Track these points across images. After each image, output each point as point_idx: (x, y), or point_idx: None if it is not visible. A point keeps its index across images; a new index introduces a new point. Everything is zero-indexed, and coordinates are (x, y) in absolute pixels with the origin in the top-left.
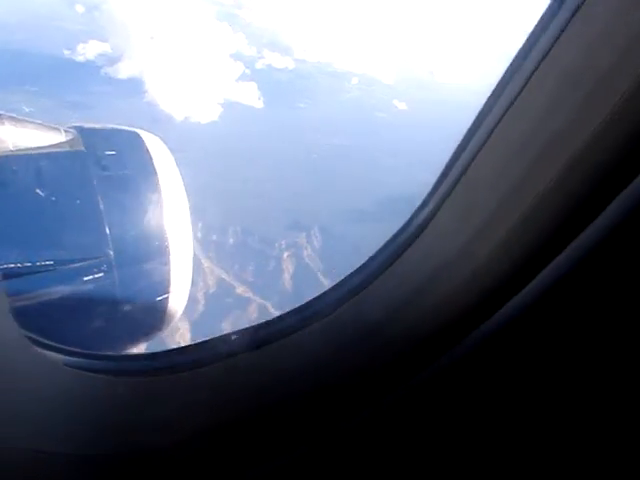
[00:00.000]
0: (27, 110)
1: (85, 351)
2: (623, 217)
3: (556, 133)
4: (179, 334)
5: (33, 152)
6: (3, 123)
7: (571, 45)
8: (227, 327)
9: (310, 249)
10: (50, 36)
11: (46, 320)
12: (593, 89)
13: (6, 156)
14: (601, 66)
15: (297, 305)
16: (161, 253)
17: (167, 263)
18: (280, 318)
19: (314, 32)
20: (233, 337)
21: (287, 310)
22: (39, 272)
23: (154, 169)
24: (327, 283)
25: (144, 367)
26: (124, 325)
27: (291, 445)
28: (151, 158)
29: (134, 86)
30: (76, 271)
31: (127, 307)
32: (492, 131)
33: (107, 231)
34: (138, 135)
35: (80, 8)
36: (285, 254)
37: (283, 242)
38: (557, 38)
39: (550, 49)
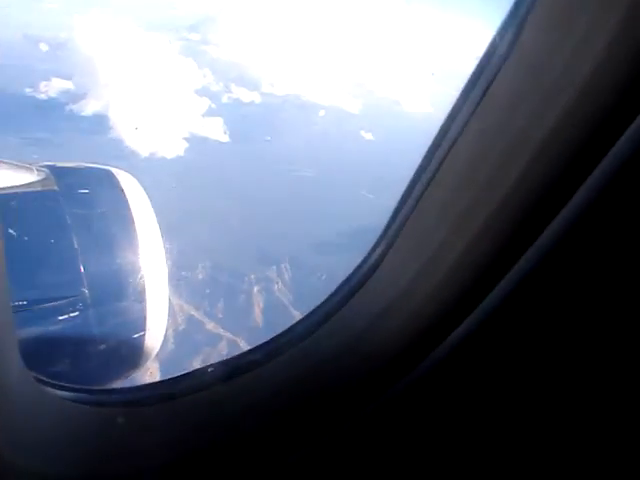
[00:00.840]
0: None
1: (76, 386)
2: (582, 215)
3: (501, 155)
4: (149, 373)
5: (5, 192)
6: None
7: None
8: (197, 365)
9: (281, 282)
10: (13, 75)
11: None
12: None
13: None
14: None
15: (267, 339)
16: (136, 290)
17: (143, 300)
18: (250, 351)
19: (281, 66)
20: (208, 369)
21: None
22: (14, 312)
23: (128, 206)
24: (299, 316)
25: (128, 398)
26: (100, 363)
27: (268, 470)
28: (124, 195)
29: (99, 123)
30: (51, 310)
31: (103, 345)
32: (441, 162)
33: (82, 269)
34: (110, 173)
35: (44, 47)
36: (255, 288)
37: (253, 276)
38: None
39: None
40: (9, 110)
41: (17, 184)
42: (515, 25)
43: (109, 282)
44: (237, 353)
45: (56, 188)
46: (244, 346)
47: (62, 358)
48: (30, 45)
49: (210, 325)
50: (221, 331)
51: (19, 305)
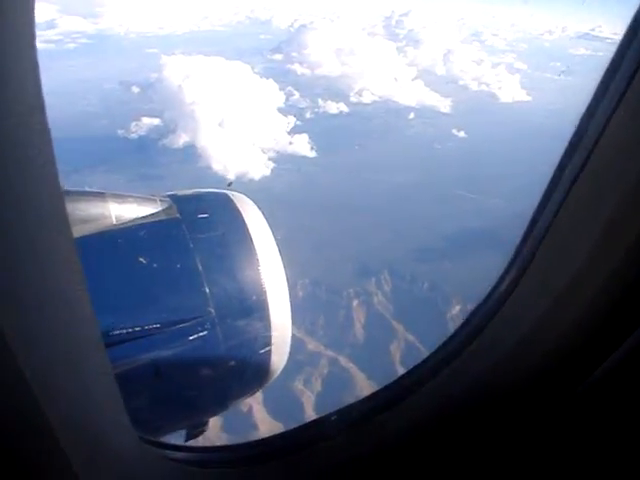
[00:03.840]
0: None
1: (190, 445)
2: None
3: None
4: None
5: (133, 224)
6: (106, 200)
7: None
8: (299, 385)
9: (380, 294)
10: (110, 121)
11: (157, 380)
12: None
13: (111, 230)
14: None
15: (369, 355)
16: (260, 307)
17: (267, 316)
18: (375, 394)
19: (367, 74)
20: (331, 418)
21: (359, 362)
22: (148, 335)
23: (245, 226)
24: (402, 329)
25: (243, 455)
26: (229, 380)
27: None
28: (241, 216)
29: (189, 153)
30: (181, 331)
31: (231, 362)
32: (574, 181)
33: (207, 290)
34: (227, 195)
35: (136, 89)
36: (355, 302)
37: (352, 290)
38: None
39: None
40: (109, 153)
41: (143, 215)
42: None
43: (233, 301)
44: (338, 371)
45: (178, 216)
46: (345, 364)
47: (195, 377)
48: (124, 90)
49: (311, 344)
50: (322, 349)
51: (152, 328)
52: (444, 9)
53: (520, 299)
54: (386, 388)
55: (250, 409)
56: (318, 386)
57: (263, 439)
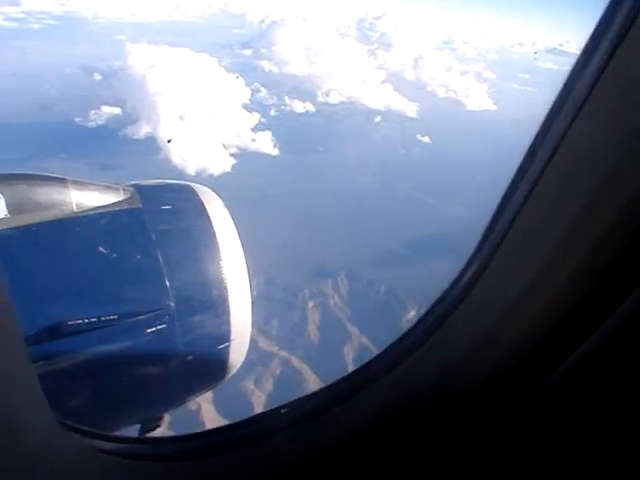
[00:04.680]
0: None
1: (119, 435)
2: None
3: (623, 150)
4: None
5: (95, 212)
6: (67, 186)
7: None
8: (250, 385)
9: (337, 297)
10: (69, 106)
11: (114, 373)
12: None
13: (71, 217)
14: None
15: (322, 357)
16: (220, 302)
17: (227, 312)
18: (325, 389)
19: (336, 74)
20: (281, 411)
21: (312, 363)
22: (105, 327)
23: (209, 220)
24: (356, 332)
25: (182, 450)
26: (187, 375)
27: None
28: (205, 210)
29: (150, 145)
30: (139, 324)
31: (189, 357)
32: (542, 172)
33: (167, 283)
34: (190, 188)
35: (98, 76)
36: (310, 303)
37: (307, 291)
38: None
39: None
40: (69, 140)
41: (105, 204)
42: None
43: (193, 295)
44: (289, 372)
45: (140, 206)
46: (298, 364)
47: (151, 370)
48: (85, 76)
49: (263, 343)
50: (275, 349)
51: (110, 319)
52: (418, 14)
53: (477, 300)
54: (338, 383)
55: (199, 408)
56: (269, 386)
57: (202, 432)
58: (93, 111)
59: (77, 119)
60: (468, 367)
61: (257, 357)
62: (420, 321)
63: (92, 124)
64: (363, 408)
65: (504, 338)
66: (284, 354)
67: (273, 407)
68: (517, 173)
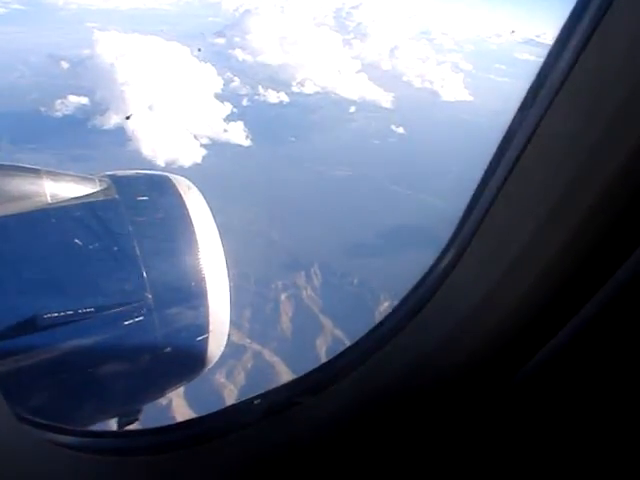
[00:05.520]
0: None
1: (82, 429)
2: None
3: (597, 143)
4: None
5: (69, 203)
6: (41, 177)
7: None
8: (221, 378)
9: (310, 289)
10: (35, 95)
11: (91, 366)
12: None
13: (45, 209)
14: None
15: (295, 349)
16: (198, 294)
17: (205, 303)
18: (297, 381)
19: (310, 64)
20: (251, 403)
21: (284, 356)
22: (81, 319)
23: (186, 210)
24: (329, 324)
25: (148, 443)
26: (165, 367)
27: None
28: (182, 200)
29: (119, 135)
30: (116, 316)
31: (167, 349)
32: (520, 154)
33: (144, 275)
34: (167, 178)
35: (65, 64)
36: (283, 295)
37: (280, 283)
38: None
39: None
40: (38, 130)
41: (80, 195)
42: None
43: (171, 286)
44: (262, 365)
45: (117, 196)
46: (270, 357)
47: (128, 363)
48: (52, 64)
49: (235, 336)
50: (247, 342)
51: (86, 312)
52: (397, 5)
53: (452, 289)
54: (310, 374)
55: (170, 402)
56: (241, 379)
57: (169, 426)
58: (59, 100)
59: (42, 109)
60: (444, 357)
61: (229, 350)
62: (395, 311)
63: (58, 114)
64: (337, 400)
65: (480, 327)
66: (256, 347)
67: (243, 400)
68: (491, 162)
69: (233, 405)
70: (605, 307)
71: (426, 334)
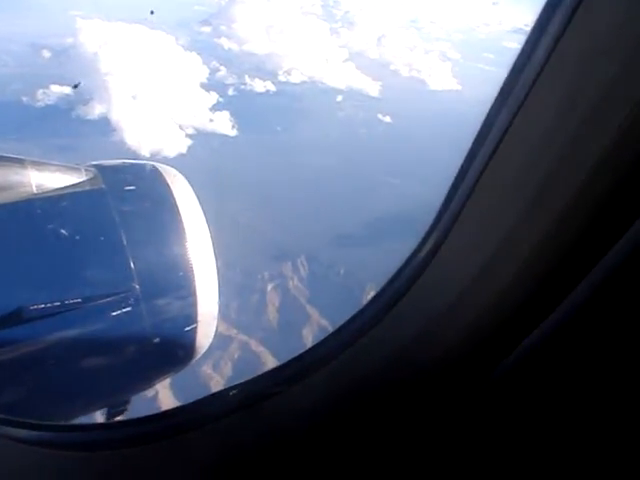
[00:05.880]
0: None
1: (45, 423)
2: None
3: (575, 132)
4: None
5: (55, 193)
6: (25, 167)
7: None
8: (207, 370)
9: (296, 279)
10: (17, 84)
11: (78, 358)
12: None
13: (30, 199)
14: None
15: (281, 339)
16: (187, 283)
17: (193, 293)
18: (277, 369)
19: (297, 52)
20: (229, 393)
21: (271, 346)
22: (68, 310)
23: (174, 200)
24: (316, 314)
25: (117, 436)
26: (153, 358)
27: None
28: (170, 190)
29: (103, 125)
30: (103, 307)
31: (156, 339)
32: (486, 165)
33: (132, 265)
34: (155, 168)
35: (47, 53)
36: (269, 286)
37: (267, 273)
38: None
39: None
40: (21, 120)
41: (67, 185)
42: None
43: (159, 276)
44: (249, 356)
45: (103, 186)
46: (256, 348)
47: (116, 354)
48: (34, 53)
49: (222, 327)
50: (233, 332)
51: (73, 303)
52: None
53: (431, 280)
54: (288, 364)
55: (156, 394)
56: (228, 370)
57: (140, 418)
58: (41, 90)
59: (24, 98)
60: (421, 350)
61: (215, 341)
62: (371, 302)
63: (40, 104)
64: (314, 390)
65: (458, 321)
66: (243, 337)
67: (219, 390)
68: (469, 153)
69: (209, 396)
70: (587, 300)
71: (403, 327)
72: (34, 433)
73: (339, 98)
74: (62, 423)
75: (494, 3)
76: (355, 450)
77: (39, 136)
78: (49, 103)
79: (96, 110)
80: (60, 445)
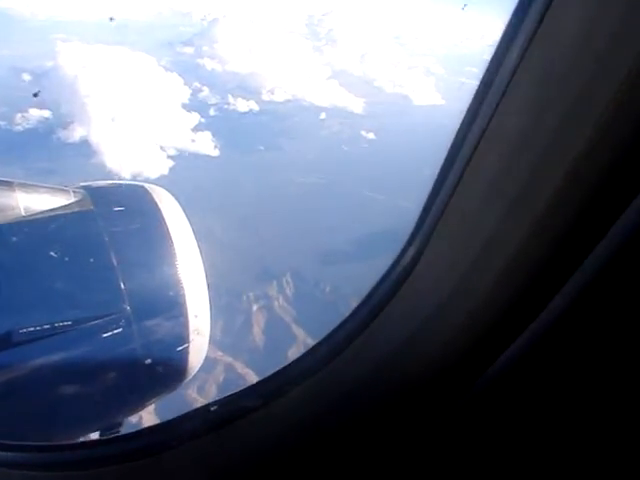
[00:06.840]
0: None
1: (13, 443)
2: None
3: (551, 135)
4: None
5: (44, 215)
6: (14, 190)
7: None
8: (192, 393)
9: (282, 298)
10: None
11: (69, 381)
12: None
13: (19, 222)
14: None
15: (267, 360)
16: (177, 304)
17: (184, 313)
18: (260, 383)
19: (280, 72)
20: (210, 409)
21: (257, 368)
22: (58, 333)
23: (163, 220)
24: (302, 334)
25: (100, 455)
26: (145, 379)
27: None
28: (159, 210)
29: (84, 148)
30: (94, 329)
31: (147, 360)
32: (466, 166)
33: (122, 286)
34: (144, 188)
35: (27, 76)
36: (254, 306)
37: (252, 294)
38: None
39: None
40: (3, 144)
41: (55, 207)
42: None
43: (149, 297)
44: (234, 378)
45: (92, 208)
46: (241, 369)
47: (109, 376)
48: (14, 77)
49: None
50: (218, 355)
51: (63, 325)
52: (369, 10)
53: (414, 288)
54: (263, 382)
55: (140, 418)
56: (212, 393)
57: (114, 437)
58: (20, 114)
59: (1, 122)
60: (403, 362)
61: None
62: (351, 316)
63: (19, 128)
64: (298, 403)
65: (439, 331)
66: (228, 359)
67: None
68: (445, 161)
69: (189, 412)
70: (569, 307)
71: (383, 340)
72: (9, 454)
73: (323, 116)
74: (39, 443)
75: (463, 8)
76: (341, 463)
77: (22, 159)
78: (28, 127)
79: (76, 133)
80: (38, 466)
